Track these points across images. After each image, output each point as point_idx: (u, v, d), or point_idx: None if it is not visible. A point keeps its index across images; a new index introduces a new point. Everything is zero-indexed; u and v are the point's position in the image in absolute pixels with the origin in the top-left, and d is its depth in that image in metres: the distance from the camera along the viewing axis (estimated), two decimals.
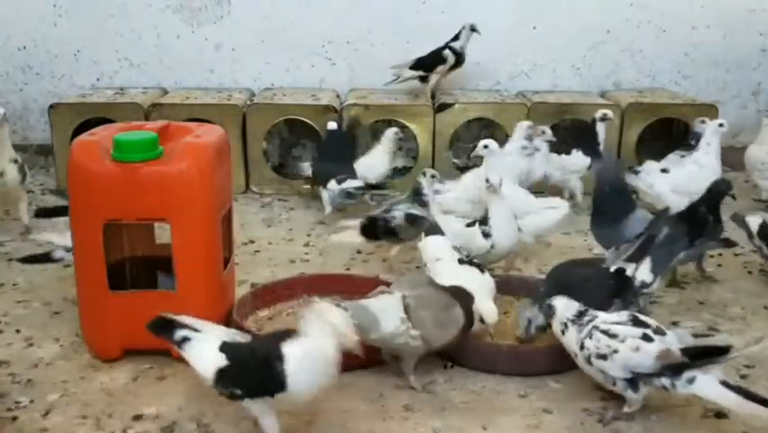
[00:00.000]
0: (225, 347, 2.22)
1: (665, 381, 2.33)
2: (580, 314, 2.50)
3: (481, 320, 2.73)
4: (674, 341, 2.37)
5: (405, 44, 5.52)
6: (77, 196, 2.70)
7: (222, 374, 2.19)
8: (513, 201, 3.42)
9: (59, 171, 4.89)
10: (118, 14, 5.47)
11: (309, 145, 5.54)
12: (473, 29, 5.02)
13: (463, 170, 4.72)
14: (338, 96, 5.40)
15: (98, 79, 5.57)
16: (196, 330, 2.27)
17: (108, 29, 5.49)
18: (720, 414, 2.46)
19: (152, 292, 2.89)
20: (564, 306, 2.54)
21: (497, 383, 2.67)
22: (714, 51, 5.63)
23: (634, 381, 2.38)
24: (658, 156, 4.56)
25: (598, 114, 4.51)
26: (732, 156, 4.80)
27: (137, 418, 2.46)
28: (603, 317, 2.47)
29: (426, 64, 5.14)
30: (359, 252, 3.94)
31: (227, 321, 2.96)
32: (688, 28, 5.60)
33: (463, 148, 5.36)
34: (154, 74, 5.57)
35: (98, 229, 2.67)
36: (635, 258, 2.76)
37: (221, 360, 2.19)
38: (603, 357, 2.39)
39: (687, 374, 2.30)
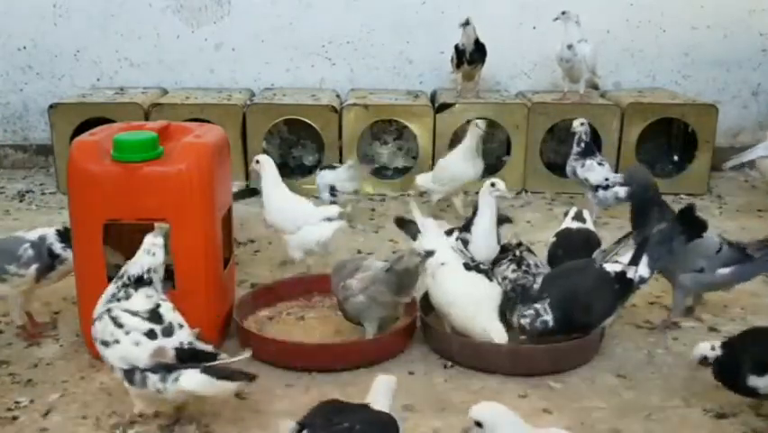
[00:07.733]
0: None
1: (158, 383, 2.25)
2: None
3: None
4: (184, 339, 2.30)
5: (405, 44, 5.52)
6: (77, 196, 2.70)
7: None
8: (294, 211, 3.52)
9: (59, 171, 4.89)
10: (118, 14, 5.47)
11: (309, 145, 5.55)
12: (462, 24, 4.99)
13: None
14: (338, 96, 5.40)
15: (98, 79, 5.57)
16: None
17: (108, 29, 5.49)
18: (720, 414, 2.47)
19: None
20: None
21: (497, 383, 2.67)
22: (714, 51, 5.63)
23: (131, 373, 2.28)
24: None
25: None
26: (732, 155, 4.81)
27: (137, 418, 2.46)
28: (126, 304, 2.35)
29: None
30: (359, 251, 3.94)
31: (227, 321, 2.97)
32: (688, 28, 5.60)
33: None
34: (154, 74, 5.56)
35: (98, 229, 2.68)
36: (634, 260, 2.77)
37: None
38: (105, 344, 2.31)
39: (174, 374, 2.25)
